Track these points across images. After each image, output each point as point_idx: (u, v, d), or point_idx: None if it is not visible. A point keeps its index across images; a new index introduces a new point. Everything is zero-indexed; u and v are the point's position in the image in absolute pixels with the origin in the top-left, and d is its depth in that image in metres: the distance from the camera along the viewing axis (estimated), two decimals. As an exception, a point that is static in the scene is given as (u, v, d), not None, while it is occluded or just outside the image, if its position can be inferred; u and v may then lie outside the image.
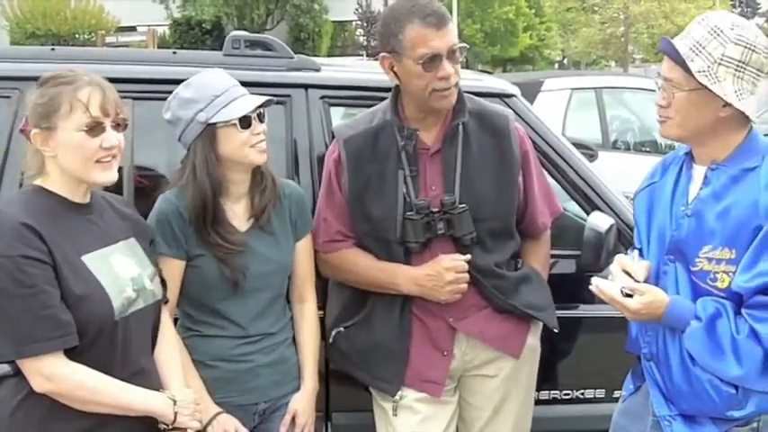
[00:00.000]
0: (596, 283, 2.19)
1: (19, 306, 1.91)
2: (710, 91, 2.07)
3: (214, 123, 2.32)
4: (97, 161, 2.03)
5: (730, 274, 2.10)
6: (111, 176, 2.07)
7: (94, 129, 2.02)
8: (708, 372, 2.13)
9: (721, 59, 2.07)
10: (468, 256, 2.45)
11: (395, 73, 2.44)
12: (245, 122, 2.33)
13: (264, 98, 2.38)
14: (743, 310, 2.09)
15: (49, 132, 2.01)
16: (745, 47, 2.08)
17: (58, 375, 1.96)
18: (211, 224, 2.36)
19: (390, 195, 2.46)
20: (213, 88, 2.34)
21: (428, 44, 2.34)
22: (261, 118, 2.38)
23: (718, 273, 2.11)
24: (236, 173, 2.40)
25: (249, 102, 2.35)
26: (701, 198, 2.17)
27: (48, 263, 1.94)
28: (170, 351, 2.27)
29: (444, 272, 2.42)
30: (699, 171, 2.21)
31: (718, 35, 2.08)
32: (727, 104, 2.09)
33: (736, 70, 2.07)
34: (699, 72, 2.07)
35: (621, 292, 2.13)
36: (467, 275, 2.45)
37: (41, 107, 2.01)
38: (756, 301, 2.06)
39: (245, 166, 2.39)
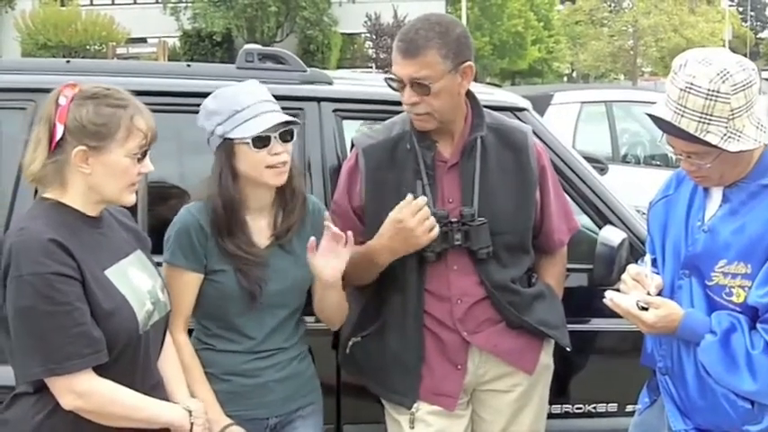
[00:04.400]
0: (611, 297, 2.18)
1: (51, 324, 1.89)
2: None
3: (231, 139, 2.32)
4: (131, 185, 2.05)
5: (746, 288, 2.10)
6: (134, 198, 2.10)
7: (143, 156, 2.04)
8: (722, 386, 2.12)
9: (732, 114, 2.02)
10: (424, 198, 2.35)
11: None
12: (260, 142, 2.30)
13: (286, 118, 2.34)
14: (758, 325, 2.09)
15: (95, 152, 1.99)
16: (743, 89, 2.02)
17: (91, 392, 1.95)
18: (228, 236, 2.35)
19: None
20: (236, 102, 2.32)
21: (395, 67, 2.41)
22: (285, 138, 2.34)
23: (733, 287, 2.11)
24: (257, 189, 2.38)
25: (267, 120, 2.31)
26: (719, 215, 2.17)
27: (77, 279, 1.93)
28: (173, 361, 2.28)
29: (399, 223, 2.35)
30: (717, 189, 2.20)
31: (717, 97, 2.00)
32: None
33: (746, 111, 2.04)
34: (722, 140, 2.03)
35: (637, 305, 2.13)
36: (426, 211, 2.34)
37: (94, 126, 1.98)
38: None
39: (263, 184, 2.37)
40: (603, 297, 2.22)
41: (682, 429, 2.23)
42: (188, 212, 2.38)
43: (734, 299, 2.11)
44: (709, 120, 2.02)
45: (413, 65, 2.36)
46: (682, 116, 2.04)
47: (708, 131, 2.03)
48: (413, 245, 2.39)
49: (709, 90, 2.00)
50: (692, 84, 2.02)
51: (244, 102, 2.33)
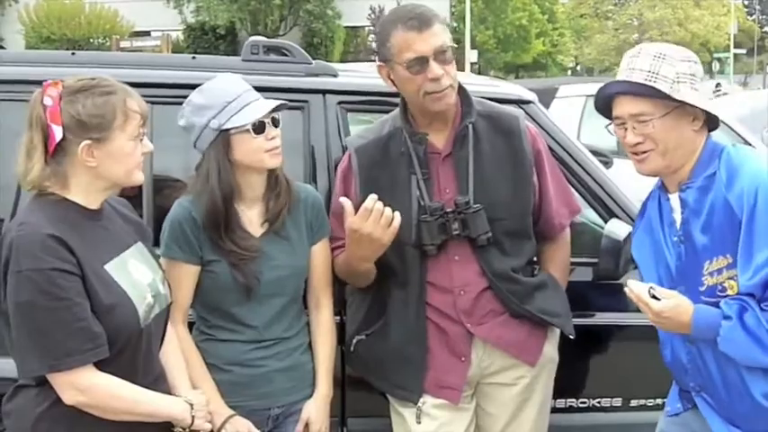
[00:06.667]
0: (629, 284, 2.18)
1: (51, 319, 1.89)
2: (681, 108, 2.14)
3: (227, 129, 2.33)
4: (137, 165, 2.06)
5: (735, 278, 2.11)
6: (142, 176, 2.12)
7: (142, 136, 2.05)
8: (760, 368, 2.10)
9: (677, 78, 2.15)
10: (373, 197, 2.29)
11: (392, 81, 2.47)
12: (259, 128, 2.34)
13: (277, 102, 2.38)
14: (763, 306, 2.07)
15: (99, 143, 1.98)
16: (690, 61, 2.19)
17: (92, 388, 1.95)
18: (225, 231, 2.37)
19: (404, 200, 2.46)
20: (226, 94, 2.35)
21: (412, 48, 2.36)
22: (275, 122, 2.39)
23: (724, 282, 2.13)
24: (251, 177, 2.41)
25: (262, 106, 2.35)
26: (685, 221, 2.21)
27: (77, 274, 1.92)
28: (175, 354, 2.29)
29: (355, 233, 2.32)
30: (674, 198, 2.26)
31: (664, 58, 2.16)
32: (695, 118, 2.17)
33: (690, 83, 2.16)
34: (670, 90, 2.12)
35: (649, 292, 2.13)
36: (378, 210, 2.28)
37: (95, 118, 1.97)
38: None
39: (259, 170, 2.40)
40: (611, 291, 2.21)
41: None
42: (180, 205, 2.41)
43: (729, 293, 2.12)
44: (656, 77, 2.14)
45: (433, 35, 2.36)
46: (629, 76, 2.17)
47: (655, 84, 2.14)
48: (380, 246, 2.35)
49: (656, 53, 2.18)
50: (640, 51, 2.21)
51: (232, 92, 2.36)
